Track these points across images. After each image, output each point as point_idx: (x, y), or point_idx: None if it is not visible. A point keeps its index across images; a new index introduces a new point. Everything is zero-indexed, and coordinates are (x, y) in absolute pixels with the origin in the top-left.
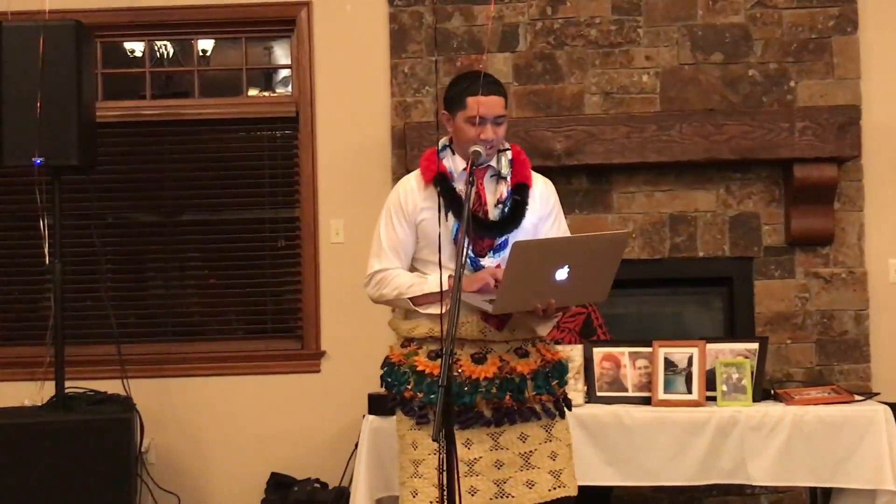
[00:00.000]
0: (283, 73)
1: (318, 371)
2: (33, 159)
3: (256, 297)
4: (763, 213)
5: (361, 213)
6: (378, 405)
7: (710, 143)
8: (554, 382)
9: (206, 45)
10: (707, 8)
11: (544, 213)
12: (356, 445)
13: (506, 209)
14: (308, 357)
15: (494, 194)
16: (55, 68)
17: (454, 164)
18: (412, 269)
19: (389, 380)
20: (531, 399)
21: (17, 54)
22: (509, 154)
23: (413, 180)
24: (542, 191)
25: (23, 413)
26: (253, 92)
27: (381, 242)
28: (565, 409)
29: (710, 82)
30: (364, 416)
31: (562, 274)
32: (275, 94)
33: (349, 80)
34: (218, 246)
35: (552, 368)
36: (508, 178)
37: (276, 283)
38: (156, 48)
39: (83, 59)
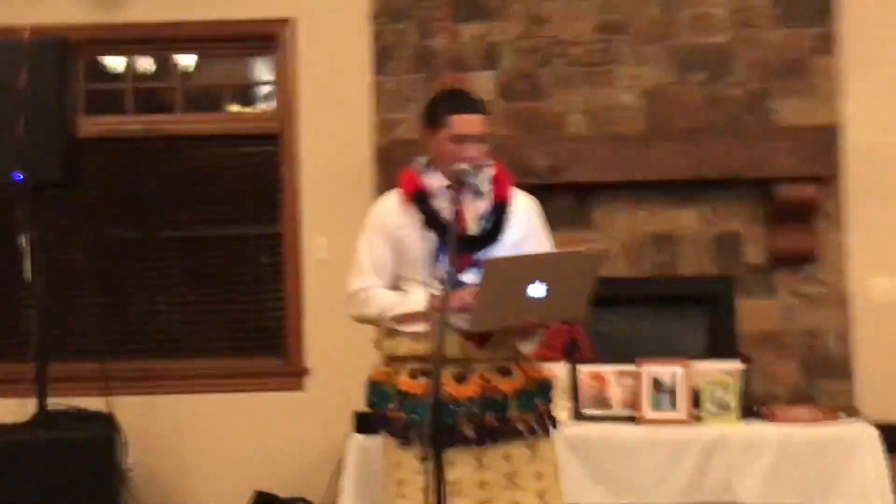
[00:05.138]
0: (265, 87)
1: (302, 389)
2: (13, 174)
3: (239, 315)
4: (745, 232)
5: (345, 229)
6: (364, 423)
7: (694, 161)
8: (538, 401)
9: (187, 60)
10: (690, 28)
11: (528, 230)
12: (340, 463)
13: (485, 225)
14: (292, 374)
15: (474, 210)
16: (38, 84)
17: (434, 181)
18: (394, 286)
19: (374, 399)
20: (514, 418)
21: (0, 70)
22: (490, 171)
23: (392, 198)
24: (524, 208)
25: (4, 430)
26: (234, 107)
27: (361, 261)
28: (551, 427)
29: (693, 102)
30: (349, 434)
31: (537, 291)
32: (257, 111)
33: (332, 97)
34: (201, 262)
35: (536, 387)
36: (488, 195)
37: (259, 300)
38: (137, 64)
39: (66, 75)
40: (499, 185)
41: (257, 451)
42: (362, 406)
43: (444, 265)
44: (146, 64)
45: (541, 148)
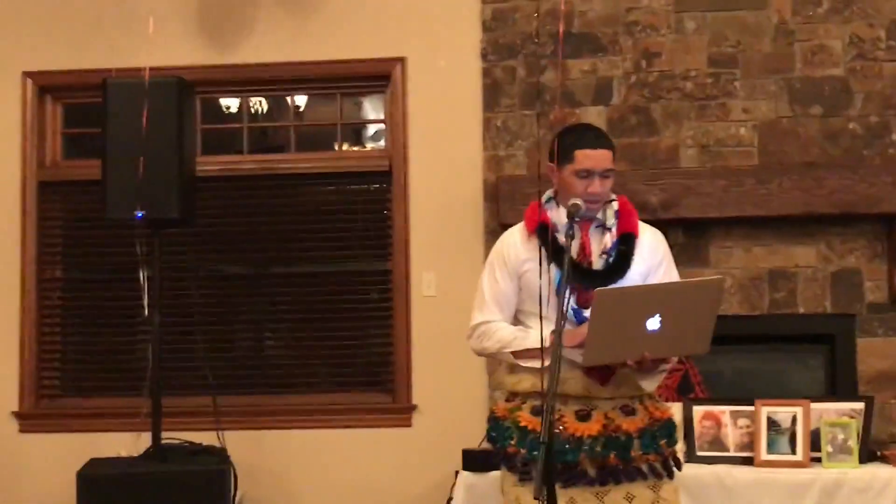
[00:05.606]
0: (373, 126)
1: (410, 425)
2: (135, 212)
3: (348, 350)
4: (865, 269)
5: (454, 266)
6: (473, 461)
7: (810, 197)
8: (662, 442)
9: (300, 100)
10: (805, 61)
11: (653, 264)
12: (448, 501)
13: (610, 259)
14: (399, 411)
15: (599, 245)
16: (158, 124)
17: (558, 216)
18: (516, 320)
19: (494, 434)
20: (637, 458)
21: (122, 110)
22: (615, 205)
23: (516, 232)
24: (650, 241)
25: (119, 464)
26: (344, 145)
27: (483, 294)
28: (674, 469)
29: (809, 135)
30: (457, 471)
31: (653, 323)
32: (368, 149)
33: (442, 134)
34: (310, 298)
35: (660, 427)
36: (614, 229)
37: (367, 335)
38: (251, 103)
39: (185, 115)
40: (624, 218)
41: (365, 487)
42: (470, 442)
43: (567, 300)
44: (259, 104)
45: (653, 183)
